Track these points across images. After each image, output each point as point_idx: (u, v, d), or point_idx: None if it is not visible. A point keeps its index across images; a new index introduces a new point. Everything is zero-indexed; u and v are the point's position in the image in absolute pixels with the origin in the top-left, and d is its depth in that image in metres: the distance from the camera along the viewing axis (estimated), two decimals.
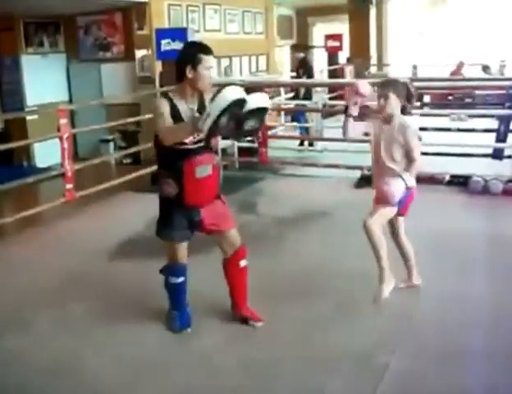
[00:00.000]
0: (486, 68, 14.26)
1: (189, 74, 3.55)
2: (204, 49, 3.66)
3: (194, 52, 3.62)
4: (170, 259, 3.87)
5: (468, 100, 13.46)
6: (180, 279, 3.89)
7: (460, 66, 15.13)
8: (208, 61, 3.60)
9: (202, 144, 3.63)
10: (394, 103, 4.07)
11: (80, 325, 4.18)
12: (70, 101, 10.59)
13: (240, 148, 9.20)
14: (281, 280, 4.47)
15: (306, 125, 10.55)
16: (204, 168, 3.67)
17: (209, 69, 3.60)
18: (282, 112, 11.80)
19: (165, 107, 3.56)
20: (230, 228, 3.95)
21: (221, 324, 4.09)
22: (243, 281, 4.01)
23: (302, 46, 11.66)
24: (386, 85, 4.14)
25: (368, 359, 3.56)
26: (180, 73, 3.59)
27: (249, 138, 9.18)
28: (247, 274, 3.99)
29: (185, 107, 3.62)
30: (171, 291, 3.97)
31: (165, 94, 3.68)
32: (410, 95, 4.14)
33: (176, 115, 3.57)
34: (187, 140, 3.57)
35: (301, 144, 10.28)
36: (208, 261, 4.54)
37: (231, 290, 4.04)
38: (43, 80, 10.23)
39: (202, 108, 3.59)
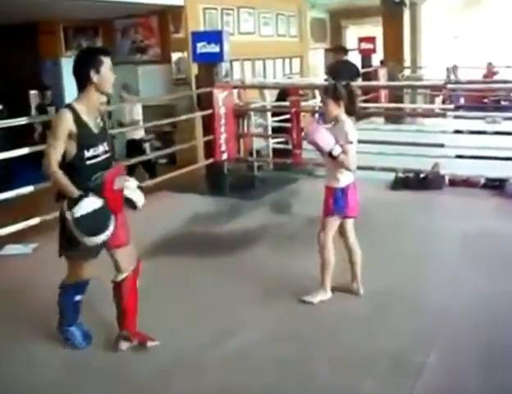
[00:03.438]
0: None
1: (95, 78, 3.42)
2: (103, 51, 3.62)
3: (93, 54, 3.50)
4: (74, 278, 3.80)
5: (504, 103, 13.35)
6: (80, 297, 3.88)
7: (490, 67, 15.04)
8: (109, 61, 3.50)
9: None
10: (332, 107, 4.24)
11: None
12: (108, 102, 10.74)
13: (274, 150, 9.26)
14: (315, 280, 4.51)
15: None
16: None
17: (111, 70, 3.51)
18: (316, 114, 11.80)
19: (64, 125, 3.38)
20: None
21: (256, 323, 4.14)
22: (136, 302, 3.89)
23: (342, 48, 11.61)
24: (324, 92, 4.36)
25: (404, 359, 3.58)
26: (83, 79, 3.44)
27: (282, 139, 9.27)
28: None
29: (92, 120, 3.50)
30: (70, 307, 3.89)
31: (68, 106, 3.45)
32: (352, 96, 4.30)
33: (82, 130, 3.42)
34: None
35: None
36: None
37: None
38: None
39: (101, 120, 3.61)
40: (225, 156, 8.45)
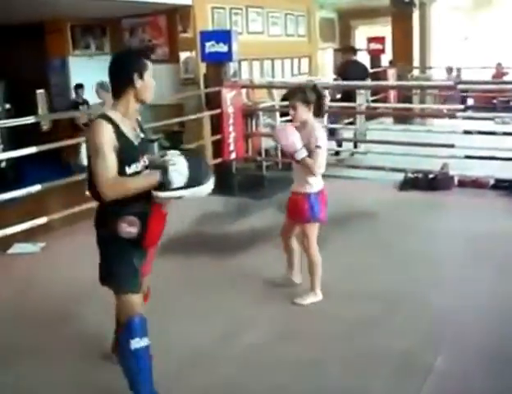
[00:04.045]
0: None
1: (137, 84, 3.01)
2: (146, 54, 3.22)
3: (138, 57, 3.10)
4: (127, 315, 3.07)
5: None
6: (146, 340, 3.08)
7: (499, 68, 14.98)
8: (151, 66, 3.13)
9: None
10: (302, 111, 4.20)
11: None
12: None
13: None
14: (324, 280, 4.49)
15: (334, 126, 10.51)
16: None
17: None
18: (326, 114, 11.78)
19: (107, 138, 2.90)
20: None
21: (265, 322, 4.13)
22: None
23: (351, 48, 11.58)
24: (292, 96, 4.28)
25: (414, 359, 3.56)
26: (123, 85, 3.01)
27: None
28: None
29: (131, 130, 3.06)
30: (137, 363, 3.05)
31: (104, 116, 2.96)
32: (320, 98, 4.28)
33: (123, 143, 2.96)
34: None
35: (339, 146, 10.21)
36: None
37: None
38: (89, 81, 10.42)
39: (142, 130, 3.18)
40: (233, 155, 8.44)
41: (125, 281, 3.06)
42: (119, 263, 3.07)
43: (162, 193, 2.93)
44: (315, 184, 4.29)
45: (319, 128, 4.25)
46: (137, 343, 3.01)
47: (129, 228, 2.99)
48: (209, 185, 3.01)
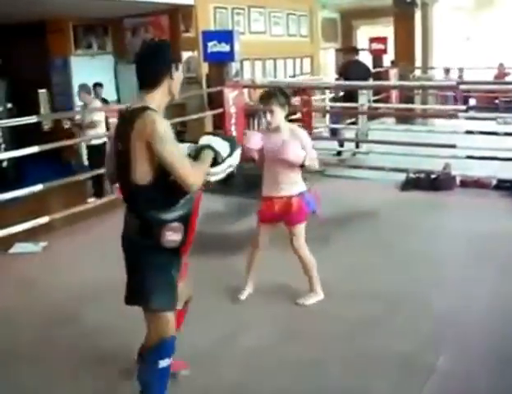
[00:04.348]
0: None
1: (174, 75, 2.81)
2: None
3: (172, 49, 2.91)
4: (160, 336, 2.88)
5: None
6: (169, 360, 2.94)
7: (501, 68, 14.96)
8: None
9: None
10: (279, 114, 4.15)
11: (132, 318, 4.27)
12: (119, 101, 10.77)
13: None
14: (326, 280, 4.48)
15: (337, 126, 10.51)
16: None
17: None
18: (328, 114, 11.78)
19: (168, 126, 2.69)
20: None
21: (266, 323, 4.12)
22: None
23: (353, 48, 11.57)
24: (269, 99, 4.18)
25: (415, 360, 3.55)
26: (161, 75, 2.78)
27: None
28: None
29: None
30: (160, 380, 2.94)
31: (150, 109, 2.71)
32: (288, 99, 4.28)
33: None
34: None
35: (341, 146, 10.20)
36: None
37: None
38: (91, 80, 10.43)
39: None
40: None
41: (162, 297, 2.82)
42: (157, 277, 2.80)
43: (217, 167, 2.86)
44: (300, 181, 4.29)
45: (301, 130, 4.28)
46: (165, 363, 2.89)
47: (173, 236, 2.77)
48: (239, 150, 2.98)
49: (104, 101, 9.90)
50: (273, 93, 4.20)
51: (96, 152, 7.87)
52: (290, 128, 4.23)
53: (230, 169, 2.92)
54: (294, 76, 12.02)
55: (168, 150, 2.61)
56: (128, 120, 2.68)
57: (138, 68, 2.80)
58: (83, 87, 8.32)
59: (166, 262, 2.81)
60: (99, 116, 8.02)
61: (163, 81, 2.77)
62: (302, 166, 4.13)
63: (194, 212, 2.86)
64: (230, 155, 2.87)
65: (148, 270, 2.78)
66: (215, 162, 2.83)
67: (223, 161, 2.84)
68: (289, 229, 4.35)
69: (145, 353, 2.95)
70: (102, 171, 7.27)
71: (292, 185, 4.25)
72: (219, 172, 2.88)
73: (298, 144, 4.07)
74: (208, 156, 2.79)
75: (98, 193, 7.81)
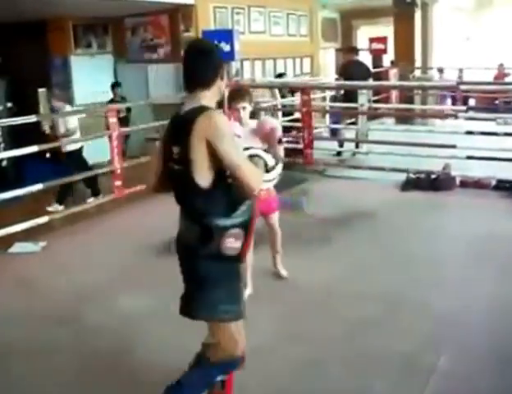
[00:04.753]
0: None
1: (224, 75, 2.80)
2: None
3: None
4: (230, 352, 2.76)
5: None
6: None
7: (501, 69, 14.95)
8: None
9: None
10: (249, 110, 4.41)
11: (131, 318, 4.27)
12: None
13: (284, 149, 9.21)
14: (326, 281, 4.48)
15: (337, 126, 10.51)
16: None
17: None
18: (327, 114, 11.78)
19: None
20: None
21: (265, 323, 4.12)
22: None
23: (354, 48, 11.57)
24: (243, 97, 4.41)
25: (416, 360, 3.55)
26: (215, 75, 2.72)
27: (292, 139, 9.27)
28: None
29: None
30: (207, 385, 2.89)
31: (208, 108, 2.64)
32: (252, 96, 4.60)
33: None
34: None
35: (341, 146, 10.18)
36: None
37: None
38: (91, 80, 10.43)
39: None
40: None
41: (228, 307, 2.68)
42: (222, 286, 2.66)
43: (269, 174, 2.95)
44: None
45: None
46: (222, 377, 2.82)
47: (234, 243, 2.60)
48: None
49: (123, 99, 9.93)
50: (245, 92, 4.52)
51: (75, 157, 7.68)
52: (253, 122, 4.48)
53: (277, 178, 3.04)
54: (280, 76, 11.94)
55: (231, 150, 2.53)
56: (185, 121, 2.57)
57: (190, 69, 2.70)
58: (54, 94, 8.09)
59: (229, 269, 2.68)
60: (73, 124, 7.70)
61: (215, 82, 2.70)
62: (279, 141, 4.25)
63: (253, 217, 2.72)
64: (276, 164, 2.99)
65: (211, 279, 2.64)
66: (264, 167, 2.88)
67: (272, 169, 2.92)
68: (266, 217, 4.66)
69: (205, 364, 2.82)
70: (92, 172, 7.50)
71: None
72: (270, 179, 2.91)
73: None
74: (259, 163, 2.80)
75: (96, 192, 7.73)
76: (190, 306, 2.72)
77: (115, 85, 10.15)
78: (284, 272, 4.81)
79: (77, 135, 7.83)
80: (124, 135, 9.82)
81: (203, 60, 2.70)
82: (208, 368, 2.79)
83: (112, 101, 9.99)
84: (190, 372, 2.84)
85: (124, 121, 9.58)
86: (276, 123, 4.45)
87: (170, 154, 2.66)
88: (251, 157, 2.84)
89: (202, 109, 2.58)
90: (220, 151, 2.50)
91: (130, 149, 9.84)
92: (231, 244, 2.59)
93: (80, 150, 7.77)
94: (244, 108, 4.35)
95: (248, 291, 4.50)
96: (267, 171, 2.89)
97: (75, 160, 7.67)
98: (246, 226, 2.64)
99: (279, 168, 2.99)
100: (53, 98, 8.01)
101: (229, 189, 2.60)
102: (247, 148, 3.01)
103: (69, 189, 7.48)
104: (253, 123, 4.39)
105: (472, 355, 3.60)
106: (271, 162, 2.90)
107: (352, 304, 4.32)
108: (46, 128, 7.63)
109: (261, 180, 2.66)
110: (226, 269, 2.66)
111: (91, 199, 7.55)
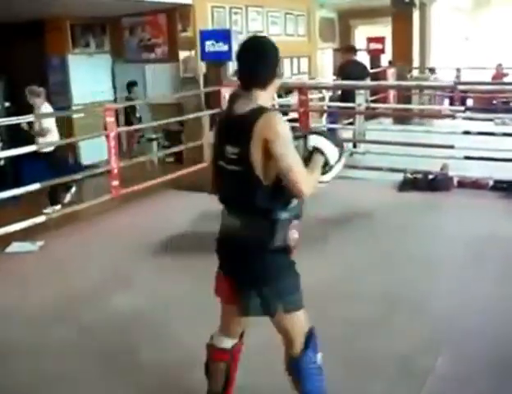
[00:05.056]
0: None
1: (280, 74, 2.75)
2: None
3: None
4: (304, 332, 2.81)
5: None
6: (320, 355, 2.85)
7: (499, 69, 14.96)
8: None
9: None
10: None
11: (128, 317, 4.27)
12: (115, 100, 10.77)
13: None
14: (324, 281, 4.48)
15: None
16: None
17: None
18: (325, 114, 11.78)
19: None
20: None
21: (265, 323, 4.11)
22: None
23: (352, 48, 11.57)
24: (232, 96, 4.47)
25: (413, 362, 3.55)
26: (274, 73, 2.67)
27: None
28: None
29: None
30: (322, 378, 2.86)
31: (267, 108, 2.61)
32: None
33: None
34: None
35: None
36: None
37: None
38: (88, 79, 10.43)
39: None
40: None
41: (296, 296, 2.74)
42: (289, 277, 2.72)
43: (328, 175, 2.77)
44: None
45: None
46: (320, 358, 2.81)
47: (296, 234, 2.70)
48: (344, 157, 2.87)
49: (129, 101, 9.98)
50: (236, 91, 4.48)
51: (50, 159, 7.37)
52: None
53: (334, 177, 2.83)
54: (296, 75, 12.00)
55: (288, 154, 2.50)
56: (245, 122, 2.53)
57: (248, 68, 2.65)
58: (30, 90, 7.61)
59: (290, 260, 2.76)
60: (49, 124, 7.49)
61: (273, 81, 2.66)
62: None
63: (301, 208, 2.77)
64: (338, 161, 2.79)
65: (281, 272, 2.69)
66: (322, 168, 2.74)
67: (330, 169, 2.76)
68: None
69: (298, 361, 2.82)
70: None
71: None
72: (325, 182, 2.81)
73: None
74: (318, 163, 2.70)
75: (54, 202, 7.38)
76: (267, 304, 2.71)
77: (131, 84, 10.16)
78: None
79: (54, 137, 7.60)
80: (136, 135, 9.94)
81: (262, 59, 2.65)
82: (305, 358, 2.81)
83: (128, 99, 10.04)
84: (302, 385, 2.84)
85: (140, 121, 9.67)
86: None
87: (221, 154, 2.64)
88: (314, 151, 2.72)
89: (262, 110, 2.55)
90: (275, 152, 2.49)
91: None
92: (294, 235, 2.68)
93: (55, 152, 7.43)
94: None
95: None
96: (326, 171, 2.74)
97: (50, 162, 7.35)
98: (299, 218, 2.73)
99: (340, 165, 2.78)
100: (30, 94, 7.61)
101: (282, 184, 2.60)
102: (309, 133, 2.81)
103: (57, 188, 7.31)
104: None
105: (469, 357, 3.59)
106: (333, 159, 2.72)
107: (349, 304, 4.31)
108: (24, 125, 7.36)
109: (313, 186, 2.63)
110: (289, 260, 2.74)
111: (49, 210, 7.06)
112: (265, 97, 2.64)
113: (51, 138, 7.47)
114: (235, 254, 2.75)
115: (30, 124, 7.45)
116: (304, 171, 2.56)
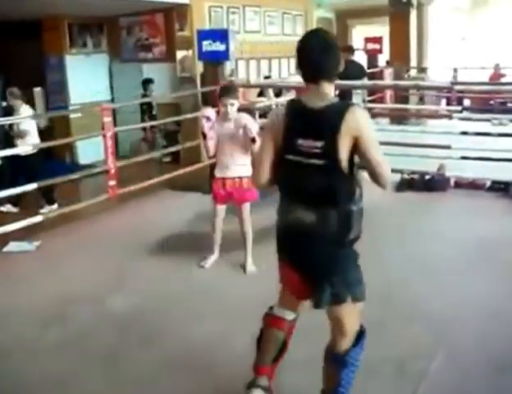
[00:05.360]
0: None
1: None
2: None
3: None
4: (356, 327, 2.90)
5: (510, 105, 13.29)
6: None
7: (497, 69, 14.97)
8: None
9: None
10: (236, 108, 4.85)
11: (125, 317, 4.27)
12: (112, 100, 10.76)
13: None
14: None
15: None
16: None
17: None
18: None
19: None
20: None
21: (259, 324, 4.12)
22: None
23: (349, 48, 11.58)
24: (234, 93, 4.87)
25: (408, 364, 3.54)
26: (337, 68, 2.74)
27: None
28: None
29: None
30: (354, 376, 2.94)
31: (352, 104, 2.71)
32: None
33: None
34: None
35: None
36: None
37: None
38: (86, 79, 10.42)
39: None
40: None
41: (362, 287, 2.81)
42: (357, 268, 2.81)
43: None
44: (250, 165, 4.68)
45: (245, 116, 4.85)
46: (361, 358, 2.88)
47: (361, 226, 2.80)
48: None
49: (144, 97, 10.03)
50: (233, 88, 4.94)
51: (26, 162, 7.11)
52: (236, 117, 4.82)
53: None
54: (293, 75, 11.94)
55: (377, 148, 2.60)
56: (329, 117, 2.57)
57: (317, 60, 2.68)
58: (11, 92, 7.46)
59: (356, 252, 2.82)
60: (28, 126, 7.31)
61: (335, 77, 2.74)
62: (253, 140, 4.61)
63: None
64: None
65: (352, 262, 2.78)
66: None
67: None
68: (238, 206, 4.98)
69: (345, 354, 2.87)
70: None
71: (242, 167, 4.83)
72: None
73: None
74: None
75: (51, 201, 7.38)
76: (337, 293, 2.72)
77: (147, 81, 10.18)
78: (249, 268, 5.04)
79: (34, 139, 7.39)
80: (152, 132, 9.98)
81: (329, 52, 2.69)
82: (352, 357, 2.87)
83: (144, 96, 10.06)
84: (339, 377, 2.87)
85: (154, 118, 9.69)
86: (251, 121, 4.77)
87: (291, 147, 2.64)
88: None
89: (346, 105, 2.61)
90: (365, 147, 2.56)
91: (122, 149, 9.86)
92: (361, 226, 2.75)
93: (35, 155, 7.11)
94: (232, 104, 4.77)
95: (213, 258, 5.10)
96: None
97: (29, 164, 7.12)
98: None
99: None
100: (10, 95, 7.46)
101: (354, 176, 2.67)
102: None
103: (50, 187, 7.17)
104: (241, 115, 4.78)
105: (465, 360, 3.59)
106: None
107: None
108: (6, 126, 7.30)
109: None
110: (357, 252, 2.81)
111: (45, 210, 7.13)
112: (331, 89, 2.71)
113: (31, 140, 7.29)
114: (311, 247, 2.72)
115: (11, 126, 7.37)
116: (389, 166, 2.65)
